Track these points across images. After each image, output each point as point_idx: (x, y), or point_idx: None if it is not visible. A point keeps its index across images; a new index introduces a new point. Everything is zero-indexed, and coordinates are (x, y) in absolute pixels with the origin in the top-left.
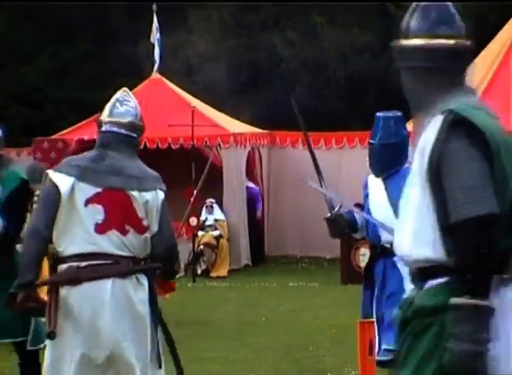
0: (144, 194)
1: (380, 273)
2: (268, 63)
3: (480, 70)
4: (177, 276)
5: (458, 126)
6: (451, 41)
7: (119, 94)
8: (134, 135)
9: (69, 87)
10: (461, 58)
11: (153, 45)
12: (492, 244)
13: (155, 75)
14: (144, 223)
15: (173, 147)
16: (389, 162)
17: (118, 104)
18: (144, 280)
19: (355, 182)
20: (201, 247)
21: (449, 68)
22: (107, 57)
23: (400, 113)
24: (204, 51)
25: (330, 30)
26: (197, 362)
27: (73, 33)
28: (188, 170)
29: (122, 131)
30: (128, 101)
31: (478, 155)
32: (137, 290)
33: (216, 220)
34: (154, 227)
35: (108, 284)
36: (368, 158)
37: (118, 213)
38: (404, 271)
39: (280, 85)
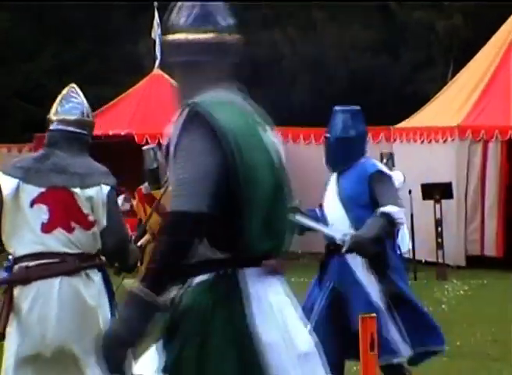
0: (86, 190)
1: (335, 270)
2: (269, 60)
3: (480, 66)
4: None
5: (195, 118)
6: (210, 35)
7: (65, 91)
8: (83, 132)
9: (69, 84)
10: (225, 54)
11: (154, 41)
12: (186, 243)
13: (157, 71)
14: (90, 218)
15: None
16: (345, 157)
17: (64, 101)
18: (96, 276)
19: None
20: None
21: (212, 63)
22: (108, 55)
23: (357, 108)
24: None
25: (331, 27)
26: None
27: (74, 31)
28: None
29: (70, 129)
30: (74, 97)
31: (209, 149)
32: (87, 286)
33: None
34: (103, 222)
35: (55, 283)
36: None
37: (62, 211)
38: (357, 268)
39: (281, 82)
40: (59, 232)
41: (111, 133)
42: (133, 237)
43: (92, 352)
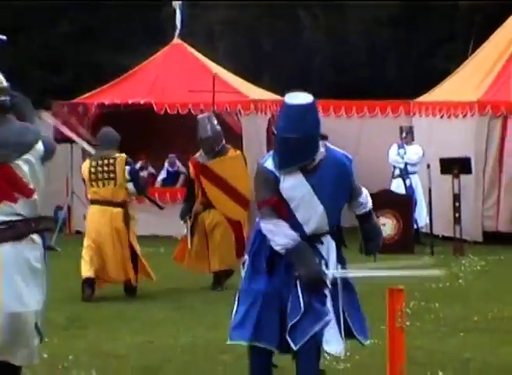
0: (25, 157)
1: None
2: (290, 31)
3: (501, 42)
4: None
5: None
6: None
7: None
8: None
9: (90, 51)
10: None
11: (174, 10)
12: None
13: (177, 40)
14: (30, 186)
15: (194, 113)
16: (293, 156)
17: None
18: (39, 239)
19: (375, 150)
20: None
21: None
22: (129, 22)
23: (309, 101)
24: (226, 17)
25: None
26: (215, 329)
27: None
28: None
29: None
30: None
31: None
32: (33, 249)
33: None
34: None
35: (4, 248)
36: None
37: (4, 185)
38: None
39: (302, 53)
40: (5, 204)
41: (130, 102)
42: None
43: (40, 305)
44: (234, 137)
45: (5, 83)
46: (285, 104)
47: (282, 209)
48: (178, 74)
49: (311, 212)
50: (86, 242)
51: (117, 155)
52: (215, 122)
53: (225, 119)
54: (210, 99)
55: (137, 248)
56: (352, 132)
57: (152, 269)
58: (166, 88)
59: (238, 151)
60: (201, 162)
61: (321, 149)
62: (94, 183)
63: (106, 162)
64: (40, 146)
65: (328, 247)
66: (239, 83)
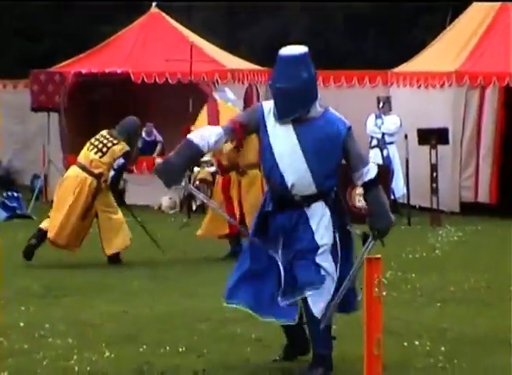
0: None
1: (286, 224)
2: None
3: (479, 13)
4: (172, 211)
5: None
6: None
7: None
8: None
9: (68, 21)
10: None
11: None
12: None
13: (154, 9)
14: None
15: (171, 82)
16: (289, 107)
17: None
18: None
19: (352, 121)
20: (197, 183)
21: None
22: None
23: (302, 52)
24: None
25: None
26: (191, 298)
27: None
28: (185, 106)
29: None
30: None
31: None
32: None
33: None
34: None
35: None
36: None
37: None
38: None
39: (280, 22)
40: None
41: (107, 71)
42: None
43: None
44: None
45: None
46: (278, 55)
47: (239, 135)
48: (155, 43)
49: (293, 164)
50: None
51: (122, 142)
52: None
53: (202, 89)
54: (187, 68)
55: (103, 218)
56: (329, 102)
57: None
58: (143, 57)
59: None
60: None
61: (319, 108)
62: (88, 147)
63: (111, 139)
64: None
65: (317, 211)
66: (216, 53)
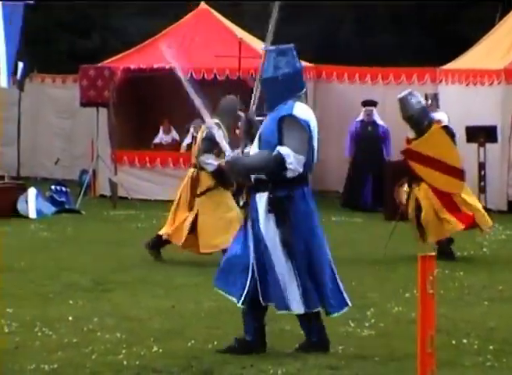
0: None
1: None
2: None
3: None
4: None
5: None
6: None
7: None
8: None
9: (117, 16)
10: None
11: None
12: None
13: (203, 5)
14: None
15: (219, 78)
16: (273, 98)
17: None
18: None
19: (400, 117)
20: None
21: None
22: None
23: (287, 46)
24: None
25: None
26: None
27: None
28: None
29: None
30: None
31: None
32: None
33: None
34: None
35: None
36: None
37: None
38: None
39: (327, 18)
40: None
41: (155, 66)
42: None
43: None
44: (260, 102)
45: None
46: (265, 50)
47: None
48: (204, 39)
49: (254, 144)
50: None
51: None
52: (416, 99)
53: (250, 85)
54: (235, 65)
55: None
56: (377, 99)
57: None
58: (192, 53)
59: (436, 125)
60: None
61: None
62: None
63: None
64: None
65: (261, 201)
66: None
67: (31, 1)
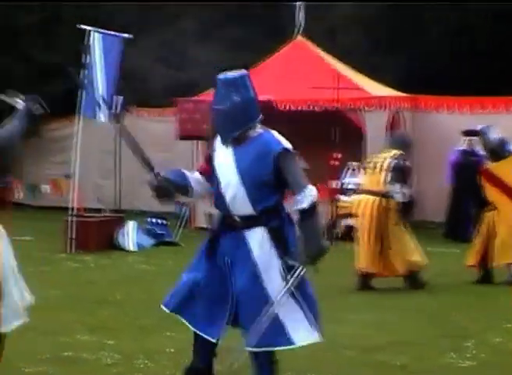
0: None
1: (229, 245)
2: (410, 25)
3: None
4: None
5: None
6: None
7: None
8: None
9: (211, 49)
10: None
11: (296, 8)
12: None
13: (298, 38)
14: None
15: (315, 109)
16: (224, 127)
17: None
18: None
19: None
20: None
21: None
22: (249, 19)
23: (236, 75)
24: (347, 13)
25: None
26: (337, 324)
27: None
28: (330, 134)
29: None
30: None
31: None
32: None
33: (358, 184)
34: None
35: None
36: None
37: None
38: (254, 246)
39: (423, 48)
40: None
41: None
42: None
43: None
44: (357, 133)
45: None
46: (217, 79)
47: (208, 174)
48: (300, 71)
49: (230, 183)
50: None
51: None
52: (492, 132)
53: (348, 116)
54: (331, 96)
55: (390, 240)
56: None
57: None
58: (288, 85)
59: None
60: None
61: (260, 130)
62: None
63: (381, 155)
64: None
65: (256, 234)
66: (360, 80)
67: (129, 36)
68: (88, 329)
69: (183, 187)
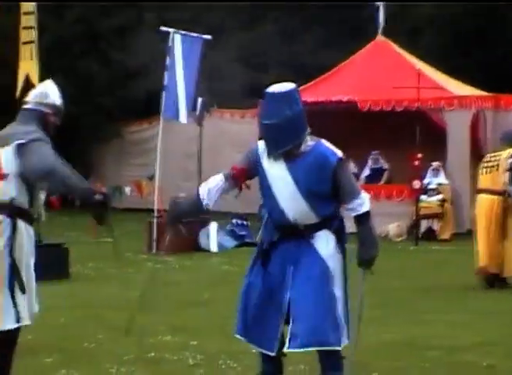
0: (5, 148)
1: (291, 251)
2: (492, 24)
3: None
4: (399, 239)
5: None
6: None
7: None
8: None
9: (294, 50)
10: None
11: (377, 8)
12: None
13: (380, 38)
14: (4, 171)
15: (397, 109)
16: (276, 142)
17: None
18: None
19: None
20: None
21: None
22: (331, 20)
23: (286, 89)
24: (427, 12)
25: None
26: (420, 325)
27: None
28: (412, 133)
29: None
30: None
31: None
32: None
33: (439, 184)
34: (16, 170)
35: None
36: None
37: None
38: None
39: (504, 47)
40: None
41: (333, 99)
42: None
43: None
44: (439, 133)
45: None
46: (265, 94)
47: (240, 180)
48: (381, 71)
49: (291, 199)
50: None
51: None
52: None
53: (429, 116)
54: (413, 96)
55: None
56: None
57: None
58: (370, 85)
59: None
60: None
61: (310, 142)
62: (481, 172)
63: (495, 154)
64: (14, 145)
65: (322, 238)
66: (442, 79)
67: (208, 37)
68: (171, 329)
69: (198, 213)
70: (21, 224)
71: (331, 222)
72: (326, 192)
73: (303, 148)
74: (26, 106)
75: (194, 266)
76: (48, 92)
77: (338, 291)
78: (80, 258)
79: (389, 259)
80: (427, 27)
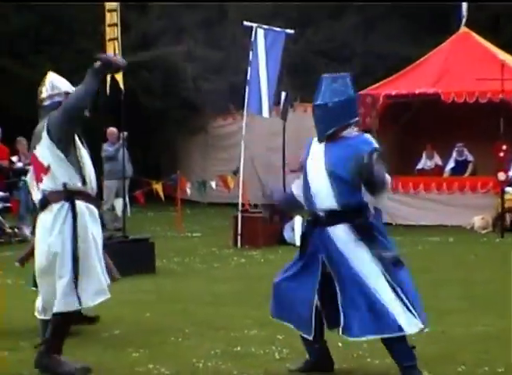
0: (39, 143)
1: (319, 242)
2: None
3: None
4: (484, 231)
5: None
6: None
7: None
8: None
9: (377, 41)
10: None
11: None
12: None
13: (463, 29)
14: (45, 165)
15: (481, 101)
16: (324, 124)
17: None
18: (56, 205)
19: None
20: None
21: None
22: (414, 10)
23: (341, 74)
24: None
25: None
26: (508, 318)
27: None
28: (496, 125)
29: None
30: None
31: None
32: (47, 212)
33: None
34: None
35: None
36: None
37: (35, 170)
38: (338, 240)
39: None
40: (35, 186)
41: (417, 91)
42: None
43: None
44: None
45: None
46: (321, 77)
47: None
48: (465, 63)
49: (316, 176)
50: None
51: None
52: None
53: None
54: (497, 87)
55: None
56: None
57: (439, 258)
58: (453, 77)
59: None
60: None
61: (355, 132)
62: None
63: None
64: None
65: (337, 232)
66: None
67: (291, 31)
68: (258, 324)
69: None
70: (81, 206)
71: (352, 216)
72: (351, 178)
73: (345, 133)
74: (43, 104)
75: (279, 260)
76: (53, 83)
77: (371, 281)
78: (166, 252)
79: (474, 251)
80: (510, 17)
